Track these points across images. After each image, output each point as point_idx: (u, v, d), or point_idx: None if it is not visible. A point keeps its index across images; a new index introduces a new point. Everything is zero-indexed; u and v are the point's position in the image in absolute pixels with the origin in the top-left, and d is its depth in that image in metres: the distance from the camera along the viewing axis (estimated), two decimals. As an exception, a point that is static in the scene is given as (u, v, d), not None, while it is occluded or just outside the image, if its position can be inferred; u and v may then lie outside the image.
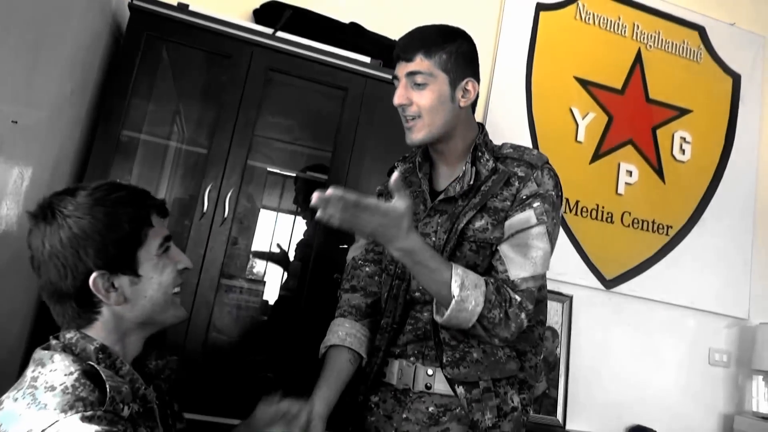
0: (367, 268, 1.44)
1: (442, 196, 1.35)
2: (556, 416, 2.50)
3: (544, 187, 1.29)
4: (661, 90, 2.88)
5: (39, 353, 0.84)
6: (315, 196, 1.00)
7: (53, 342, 0.87)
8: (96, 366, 0.80)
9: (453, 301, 1.14)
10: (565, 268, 2.65)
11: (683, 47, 2.96)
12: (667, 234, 2.82)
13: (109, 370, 0.84)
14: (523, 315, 1.20)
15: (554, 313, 2.61)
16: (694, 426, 2.75)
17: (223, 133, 1.93)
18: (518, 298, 1.20)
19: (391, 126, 2.10)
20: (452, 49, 1.31)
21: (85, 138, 1.86)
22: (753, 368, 2.77)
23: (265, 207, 2.36)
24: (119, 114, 1.84)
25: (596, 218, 2.73)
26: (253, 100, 1.97)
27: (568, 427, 2.50)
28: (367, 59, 2.10)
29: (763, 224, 2.97)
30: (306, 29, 2.08)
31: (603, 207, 2.74)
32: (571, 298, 2.65)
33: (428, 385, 1.29)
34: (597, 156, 2.76)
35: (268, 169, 2.30)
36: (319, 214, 1.01)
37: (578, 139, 2.74)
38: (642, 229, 2.79)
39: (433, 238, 1.32)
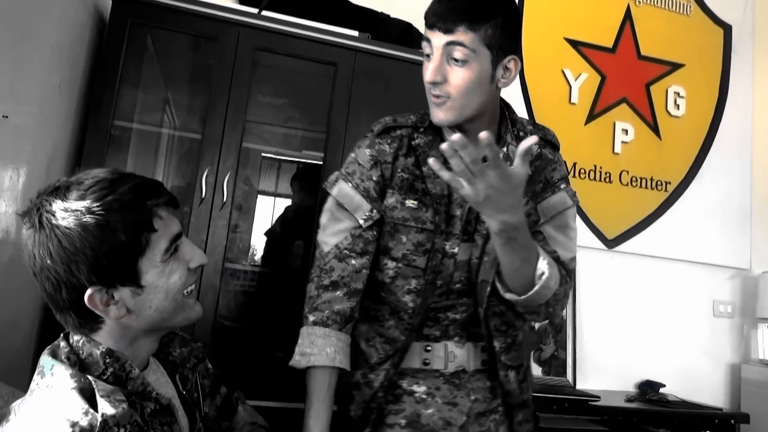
0: (353, 261, 1.22)
1: None
2: (566, 377, 2.53)
3: (566, 168, 1.33)
4: (653, 46, 2.86)
5: (44, 359, 0.79)
6: (453, 139, 0.90)
7: (61, 344, 0.82)
8: (94, 384, 0.74)
9: (543, 278, 1.10)
10: (567, 230, 2.65)
11: (672, 0, 2.93)
12: (665, 190, 2.82)
13: (119, 373, 0.80)
14: (570, 293, 1.23)
15: (558, 275, 2.62)
16: (702, 377, 2.78)
17: (215, 118, 1.92)
18: (564, 273, 1.20)
19: (384, 99, 2.10)
20: (499, 20, 1.12)
21: (77, 130, 1.84)
22: (757, 317, 2.79)
23: (262, 192, 2.35)
24: (109, 104, 1.82)
25: (594, 179, 2.73)
26: (243, 81, 1.95)
27: (578, 386, 2.53)
28: (355, 33, 2.07)
29: (760, 174, 2.97)
30: (291, 7, 2.05)
31: (601, 167, 2.74)
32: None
33: (484, 360, 1.29)
34: (592, 116, 2.75)
35: (263, 154, 2.28)
36: (448, 155, 0.91)
37: (572, 100, 2.72)
38: (641, 186, 2.79)
39: (473, 224, 1.23)
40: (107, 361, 0.80)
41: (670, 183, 2.83)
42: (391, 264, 1.25)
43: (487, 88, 1.16)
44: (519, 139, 1.25)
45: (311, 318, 1.20)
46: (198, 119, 2.04)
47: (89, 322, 0.81)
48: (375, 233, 1.24)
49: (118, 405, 0.73)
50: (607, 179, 2.74)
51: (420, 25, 2.21)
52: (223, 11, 1.94)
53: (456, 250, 1.23)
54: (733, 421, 2.37)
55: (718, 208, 2.88)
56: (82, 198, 0.78)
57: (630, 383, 2.67)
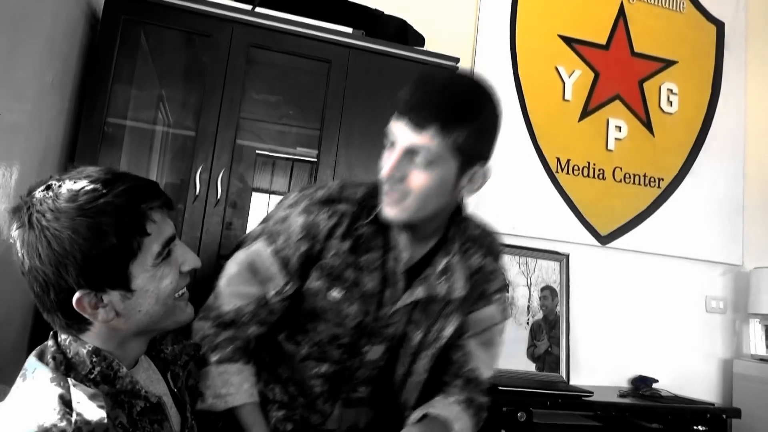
0: (253, 327, 1.15)
1: (423, 294, 1.14)
2: (559, 372, 2.54)
3: (504, 279, 1.27)
4: (646, 43, 2.86)
5: (29, 361, 0.78)
6: None
7: (49, 343, 0.81)
8: (73, 388, 0.73)
9: None
10: (560, 226, 2.67)
11: (666, -2, 2.94)
12: (659, 186, 2.83)
13: (107, 372, 0.79)
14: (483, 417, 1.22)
15: (552, 272, 2.64)
16: (695, 373, 2.80)
17: (209, 115, 1.91)
18: (484, 401, 1.21)
19: (378, 96, 2.10)
20: (476, 126, 1.01)
21: (70, 127, 1.84)
22: (749, 312, 2.81)
23: (257, 189, 2.34)
24: (102, 101, 1.81)
25: (588, 175, 2.74)
26: (237, 78, 1.94)
27: (571, 382, 2.54)
28: (349, 30, 2.08)
29: (752, 171, 2.99)
30: (285, 3, 2.04)
31: (594, 164, 2.74)
32: (567, 256, 2.67)
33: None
34: (585, 113, 2.75)
35: (257, 151, 2.28)
36: None
37: (566, 97, 2.73)
38: (634, 183, 2.80)
39: (395, 332, 1.17)
40: (94, 360, 0.79)
41: (663, 180, 2.84)
42: (305, 343, 1.17)
43: (448, 196, 1.06)
44: (463, 254, 1.18)
45: (214, 357, 1.11)
46: (192, 116, 2.03)
47: (77, 324, 0.80)
48: (285, 304, 1.15)
49: (98, 411, 0.72)
50: (601, 176, 2.75)
51: (415, 21, 2.23)
52: (217, 8, 1.94)
53: (366, 348, 1.17)
54: (725, 416, 2.39)
55: (711, 205, 2.89)
56: (73, 199, 0.76)
57: (623, 379, 2.68)
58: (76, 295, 0.77)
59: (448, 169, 1.02)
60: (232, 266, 1.13)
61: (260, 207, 2.35)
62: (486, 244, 1.23)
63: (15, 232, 0.78)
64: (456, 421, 1.11)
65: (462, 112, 1.00)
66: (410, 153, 1.01)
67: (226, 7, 1.95)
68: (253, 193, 2.33)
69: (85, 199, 0.76)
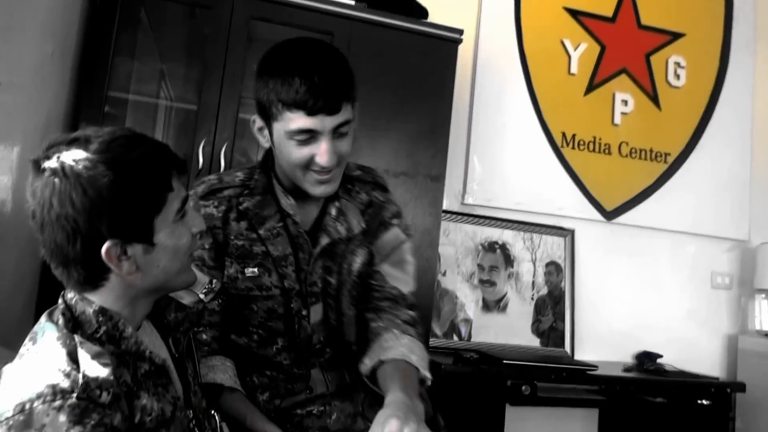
0: (204, 336, 1.18)
1: (326, 240, 1.22)
2: (564, 347, 2.54)
3: (397, 206, 1.36)
4: (653, 15, 2.82)
5: (38, 324, 0.79)
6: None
7: (59, 301, 0.82)
8: (80, 346, 0.74)
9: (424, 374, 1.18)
10: (565, 202, 2.66)
11: (674, -31, 2.88)
12: (665, 161, 2.81)
13: (112, 332, 0.79)
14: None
15: (557, 247, 2.63)
16: (700, 348, 2.80)
17: (210, 88, 1.90)
18: (414, 315, 1.28)
19: (381, 69, 2.08)
20: (355, 82, 1.14)
21: (72, 100, 1.82)
22: (755, 288, 2.80)
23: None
24: (103, 75, 1.80)
25: (593, 150, 2.71)
26: (238, 51, 1.92)
27: (576, 357, 2.55)
28: (351, 1, 2.05)
29: (760, 146, 2.95)
30: (286, -25, 2.01)
31: (600, 138, 2.72)
32: (572, 231, 2.66)
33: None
34: (591, 87, 2.72)
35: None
36: None
37: (571, 71, 2.69)
38: (640, 158, 2.77)
39: (320, 284, 1.24)
40: (100, 319, 0.79)
41: (669, 154, 2.81)
42: (252, 330, 1.22)
43: None
44: (348, 192, 1.28)
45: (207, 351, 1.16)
46: (194, 90, 2.02)
47: (94, 278, 0.80)
48: (220, 301, 1.19)
49: (103, 368, 0.73)
50: (607, 150, 2.73)
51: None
52: (217, -21, 1.91)
53: (305, 312, 1.22)
54: (729, 390, 2.39)
55: (718, 180, 2.86)
56: (106, 150, 0.76)
57: (628, 354, 2.68)
58: (107, 244, 0.77)
59: (353, 125, 1.16)
60: None
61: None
62: (369, 181, 1.32)
63: (42, 181, 0.77)
64: (411, 354, 1.17)
65: (350, 77, 1.12)
66: (332, 133, 1.10)
67: (227, -21, 1.93)
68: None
69: (118, 150, 0.77)
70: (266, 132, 1.16)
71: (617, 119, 2.75)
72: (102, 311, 0.80)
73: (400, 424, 0.91)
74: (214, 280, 1.17)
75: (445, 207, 2.30)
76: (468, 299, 2.48)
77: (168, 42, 2.21)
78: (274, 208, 1.20)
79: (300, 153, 1.11)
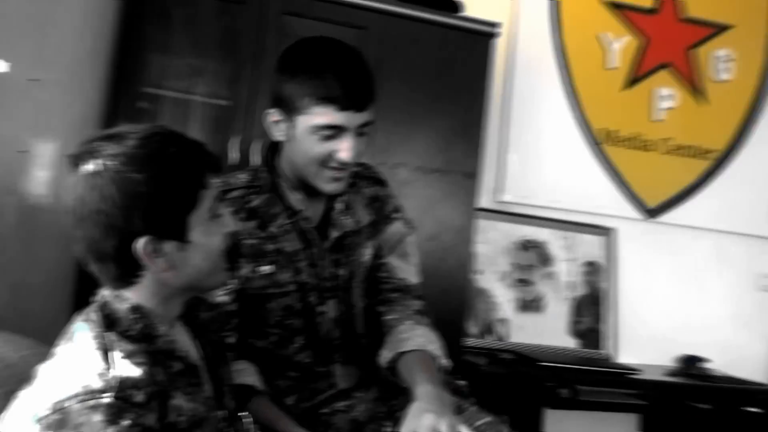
0: (230, 339, 1.19)
1: (336, 233, 1.24)
2: (603, 349, 2.47)
3: (397, 200, 1.39)
4: (698, 6, 2.71)
5: (74, 324, 0.79)
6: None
7: (94, 300, 0.82)
8: (115, 345, 0.74)
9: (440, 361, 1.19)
10: (604, 200, 2.58)
11: (719, -42, 2.77)
12: (710, 158, 2.70)
13: (146, 330, 0.79)
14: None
15: (595, 246, 2.56)
16: (745, 353, 2.68)
17: (243, 84, 1.90)
18: (424, 304, 1.30)
19: (415, 65, 2.04)
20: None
21: (108, 97, 1.83)
22: (805, 290, 2.68)
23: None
24: (137, 71, 1.81)
25: (634, 146, 2.62)
26: (271, 46, 1.91)
27: (617, 359, 2.48)
28: (385, -4, 2.02)
29: (812, 141, 2.82)
30: (319, -31, 2.00)
31: (641, 134, 2.63)
32: (612, 230, 2.58)
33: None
34: (632, 82, 2.63)
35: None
36: None
37: (611, 65, 2.61)
38: (683, 154, 2.67)
39: (332, 280, 1.24)
40: (134, 317, 0.79)
41: (714, 151, 2.71)
42: (270, 330, 1.22)
43: None
44: (353, 186, 1.28)
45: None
46: (226, 86, 2.01)
47: (128, 275, 0.80)
48: (237, 305, 1.19)
49: (137, 368, 0.73)
50: (648, 147, 2.64)
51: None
52: (250, -26, 1.90)
53: (321, 308, 1.23)
54: (779, 397, 2.29)
55: (765, 177, 2.75)
56: (143, 146, 0.77)
57: (670, 358, 2.59)
58: (141, 240, 0.76)
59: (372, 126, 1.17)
60: None
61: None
62: (370, 176, 1.35)
63: (79, 176, 0.77)
64: (429, 344, 1.18)
65: (373, 80, 1.15)
66: (358, 130, 1.13)
67: (260, -26, 1.92)
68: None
69: (155, 147, 0.78)
70: (283, 126, 1.15)
71: (659, 114, 2.65)
72: (136, 309, 0.79)
73: (436, 418, 0.90)
74: (228, 282, 1.15)
75: (480, 205, 2.25)
76: (503, 299, 2.42)
77: (201, 38, 2.20)
78: (280, 205, 1.21)
79: (321, 148, 1.12)
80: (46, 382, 0.71)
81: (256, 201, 1.20)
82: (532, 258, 2.48)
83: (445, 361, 1.19)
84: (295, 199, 1.21)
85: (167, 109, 2.10)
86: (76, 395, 0.67)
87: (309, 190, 1.20)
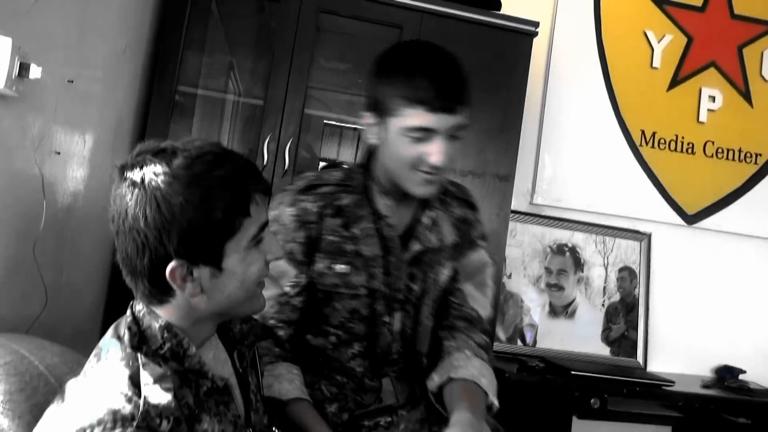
0: (281, 332, 1.18)
1: (418, 247, 1.23)
2: (636, 358, 2.41)
3: (484, 226, 1.38)
4: (748, 4, 2.59)
5: (104, 339, 0.78)
6: None
7: (127, 313, 0.81)
8: (143, 368, 0.73)
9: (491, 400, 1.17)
10: (642, 204, 2.50)
11: (773, -48, 2.64)
12: (756, 162, 2.60)
13: (176, 349, 0.78)
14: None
15: (631, 251, 2.49)
16: (786, 365, 2.59)
17: (277, 83, 1.89)
18: (487, 340, 1.28)
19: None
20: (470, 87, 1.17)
21: (143, 96, 1.85)
22: None
23: (324, 160, 2.30)
24: (173, 70, 1.82)
25: (675, 149, 2.54)
26: (306, 45, 1.90)
27: (649, 368, 2.41)
28: (421, -7, 1.98)
29: None
30: (356, -34, 1.97)
31: (683, 137, 2.54)
32: (649, 235, 2.51)
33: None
34: (675, 82, 2.54)
35: (325, 121, 2.23)
36: None
37: (654, 64, 2.52)
38: (727, 158, 2.58)
39: (404, 292, 1.23)
40: (165, 335, 0.78)
41: (761, 155, 2.60)
42: (331, 330, 1.21)
43: None
44: (444, 204, 1.28)
45: (277, 356, 1.14)
46: (261, 84, 2.01)
47: (160, 294, 0.79)
48: (303, 298, 1.19)
49: (165, 393, 0.71)
50: (690, 150, 2.55)
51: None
52: (287, -28, 1.89)
53: (388, 319, 1.21)
54: (821, 414, 2.20)
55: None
56: (188, 167, 0.75)
57: (706, 368, 2.51)
58: (172, 263, 0.75)
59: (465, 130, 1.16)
60: None
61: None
62: (463, 197, 1.34)
63: (121, 189, 0.77)
64: (481, 377, 1.16)
65: (468, 82, 1.13)
66: (449, 133, 1.11)
67: (296, -29, 1.90)
68: (320, 164, 2.30)
69: (200, 169, 0.76)
70: (375, 129, 1.16)
71: (703, 116, 2.55)
72: (168, 327, 0.79)
73: None
74: (302, 275, 1.17)
75: (513, 207, 2.20)
76: (534, 303, 2.38)
77: (237, 36, 2.21)
78: (368, 208, 1.20)
79: (412, 150, 1.11)
80: (73, 403, 0.71)
81: (345, 200, 1.20)
82: (565, 262, 2.43)
83: (494, 399, 1.16)
84: (384, 204, 1.21)
85: (202, 107, 2.12)
86: (101, 422, 0.67)
87: (399, 197, 1.20)
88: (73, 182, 1.41)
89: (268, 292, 1.10)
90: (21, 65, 0.98)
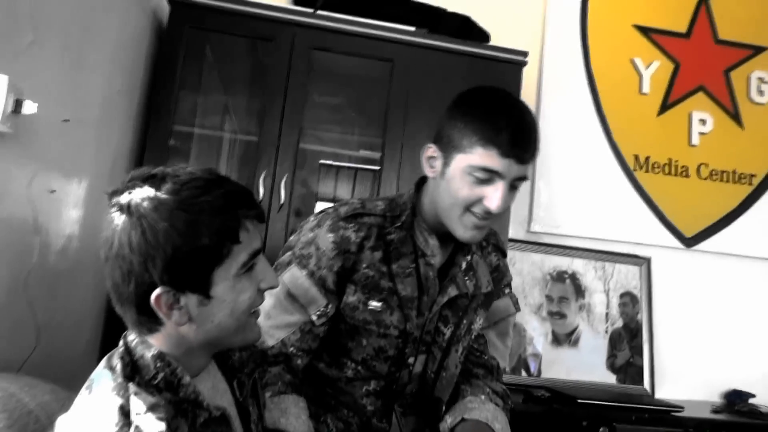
0: (298, 361, 1.16)
1: (455, 291, 1.20)
2: (642, 385, 2.37)
3: (511, 275, 1.38)
4: (732, 29, 2.65)
5: (96, 371, 0.76)
6: None
7: (120, 343, 0.79)
8: (135, 398, 0.71)
9: None
10: (639, 228, 2.50)
11: (752, -21, 2.71)
12: (750, 183, 2.61)
13: (170, 378, 0.76)
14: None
15: (632, 277, 2.47)
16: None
17: (271, 119, 1.90)
18: (505, 389, 1.27)
19: (442, 95, 2.02)
20: None
21: (138, 135, 1.86)
22: None
23: (321, 199, 2.31)
24: (168, 109, 1.84)
25: (669, 173, 2.55)
26: (299, 82, 1.92)
27: (657, 395, 2.37)
28: (411, 28, 2.02)
29: None
30: (346, 5, 2.01)
31: (676, 161, 2.56)
32: (648, 260, 2.50)
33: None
34: (665, 107, 2.57)
35: (321, 161, 2.25)
36: None
37: (643, 90, 2.56)
38: (722, 180, 2.59)
39: (433, 335, 1.21)
40: (158, 365, 0.76)
41: (755, 176, 2.61)
42: (350, 364, 1.18)
43: None
44: (481, 248, 1.27)
45: (267, 393, 1.09)
46: (256, 121, 2.03)
47: (148, 322, 0.77)
48: (326, 328, 1.16)
49: (158, 423, 0.69)
50: (684, 173, 2.56)
51: (479, 17, 2.14)
52: (279, 11, 1.93)
53: (411, 360, 1.19)
54: (835, 436, 2.15)
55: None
56: (176, 192, 0.74)
57: (714, 393, 2.47)
58: (156, 291, 0.74)
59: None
60: (267, 299, 1.07)
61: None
62: (496, 243, 1.34)
63: (110, 216, 0.76)
64: (494, 422, 1.15)
65: (538, 138, 1.11)
66: (511, 182, 1.09)
67: (288, 11, 1.94)
68: (318, 202, 2.30)
69: (187, 194, 0.75)
70: (438, 163, 1.13)
71: (695, 140, 2.58)
72: (160, 357, 0.77)
73: None
74: (330, 305, 1.14)
75: (510, 236, 2.20)
76: (536, 332, 2.35)
77: (231, 75, 2.25)
78: (410, 246, 1.17)
79: (471, 191, 1.08)
80: None
81: (393, 235, 1.16)
82: (566, 290, 2.41)
83: None
84: (430, 243, 1.17)
85: (198, 145, 2.13)
86: None
87: (441, 237, 1.17)
88: (67, 221, 1.40)
89: (293, 318, 1.13)
90: (16, 102, 0.98)
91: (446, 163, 1.11)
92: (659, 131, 2.56)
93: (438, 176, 1.13)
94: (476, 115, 1.08)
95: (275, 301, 1.13)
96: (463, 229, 1.11)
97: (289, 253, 1.17)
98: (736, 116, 2.62)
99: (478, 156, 1.06)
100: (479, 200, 1.08)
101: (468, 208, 1.09)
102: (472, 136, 1.07)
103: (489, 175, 1.06)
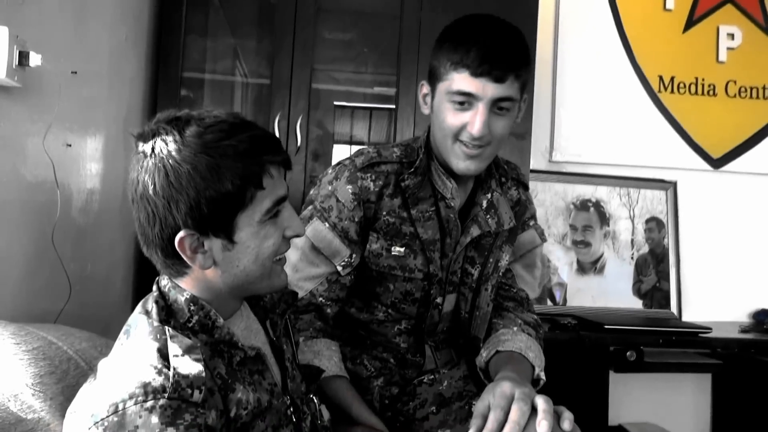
0: (328, 310, 1.17)
1: (477, 231, 1.19)
2: (669, 309, 2.37)
3: (535, 207, 1.37)
4: (763, -68, 2.49)
5: (132, 316, 0.78)
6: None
7: (153, 288, 0.81)
8: (171, 340, 0.72)
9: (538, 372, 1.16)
10: (665, 152, 2.44)
11: None
12: (780, 99, 2.51)
13: (204, 321, 0.77)
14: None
15: (657, 201, 2.43)
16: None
17: (282, 60, 1.86)
18: (537, 318, 1.28)
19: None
20: (529, 62, 1.12)
21: (149, 83, 1.84)
22: None
23: (337, 141, 2.28)
24: (177, 56, 1.81)
25: (696, 92, 2.46)
26: (307, 20, 1.87)
27: (684, 318, 2.37)
28: (421, -46, 1.93)
29: None
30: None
31: (703, 79, 2.46)
32: (674, 184, 2.45)
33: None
34: (691, 22, 2.45)
35: (335, 102, 2.21)
36: None
37: (667, 6, 2.44)
38: (751, 97, 2.49)
39: (459, 274, 1.23)
40: (192, 308, 0.77)
41: (785, 91, 2.51)
42: (380, 308, 1.20)
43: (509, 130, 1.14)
44: (501, 185, 1.25)
45: (300, 338, 1.12)
46: (266, 64, 1.99)
47: (175, 265, 0.78)
48: (352, 277, 1.17)
49: (195, 364, 0.70)
50: (711, 92, 2.47)
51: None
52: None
53: (439, 300, 1.20)
54: None
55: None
56: (199, 135, 0.74)
57: (742, 314, 2.46)
58: (180, 234, 0.74)
59: (516, 108, 1.11)
60: (293, 253, 1.10)
61: (343, 155, 2.29)
62: (516, 177, 1.31)
63: (135, 157, 0.76)
64: (528, 351, 1.15)
65: (525, 55, 1.09)
66: (492, 105, 1.06)
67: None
68: (335, 144, 2.28)
69: (210, 138, 0.74)
70: (428, 98, 1.15)
71: (722, 56, 2.47)
72: (193, 300, 0.78)
73: (513, 386, 0.89)
74: (354, 255, 1.15)
75: (532, 166, 2.16)
76: (561, 262, 2.34)
77: (238, 17, 2.18)
78: (429, 190, 1.18)
79: (454, 118, 1.08)
80: (104, 380, 0.71)
81: (408, 181, 1.16)
82: (591, 218, 2.39)
83: (541, 374, 1.15)
84: (447, 185, 1.16)
85: (210, 92, 2.10)
86: (133, 395, 0.66)
87: (459, 178, 1.16)
88: (86, 175, 1.41)
89: (319, 269, 1.15)
90: (20, 54, 0.97)
91: (433, 96, 1.12)
92: (685, 49, 2.45)
93: (431, 111, 1.15)
94: (449, 43, 1.08)
95: (301, 254, 1.15)
96: (457, 160, 1.11)
97: (310, 207, 1.18)
98: (767, 28, 2.49)
99: (452, 81, 1.06)
100: (464, 127, 1.07)
101: (456, 137, 1.09)
102: (446, 63, 1.07)
103: (466, 98, 1.06)
